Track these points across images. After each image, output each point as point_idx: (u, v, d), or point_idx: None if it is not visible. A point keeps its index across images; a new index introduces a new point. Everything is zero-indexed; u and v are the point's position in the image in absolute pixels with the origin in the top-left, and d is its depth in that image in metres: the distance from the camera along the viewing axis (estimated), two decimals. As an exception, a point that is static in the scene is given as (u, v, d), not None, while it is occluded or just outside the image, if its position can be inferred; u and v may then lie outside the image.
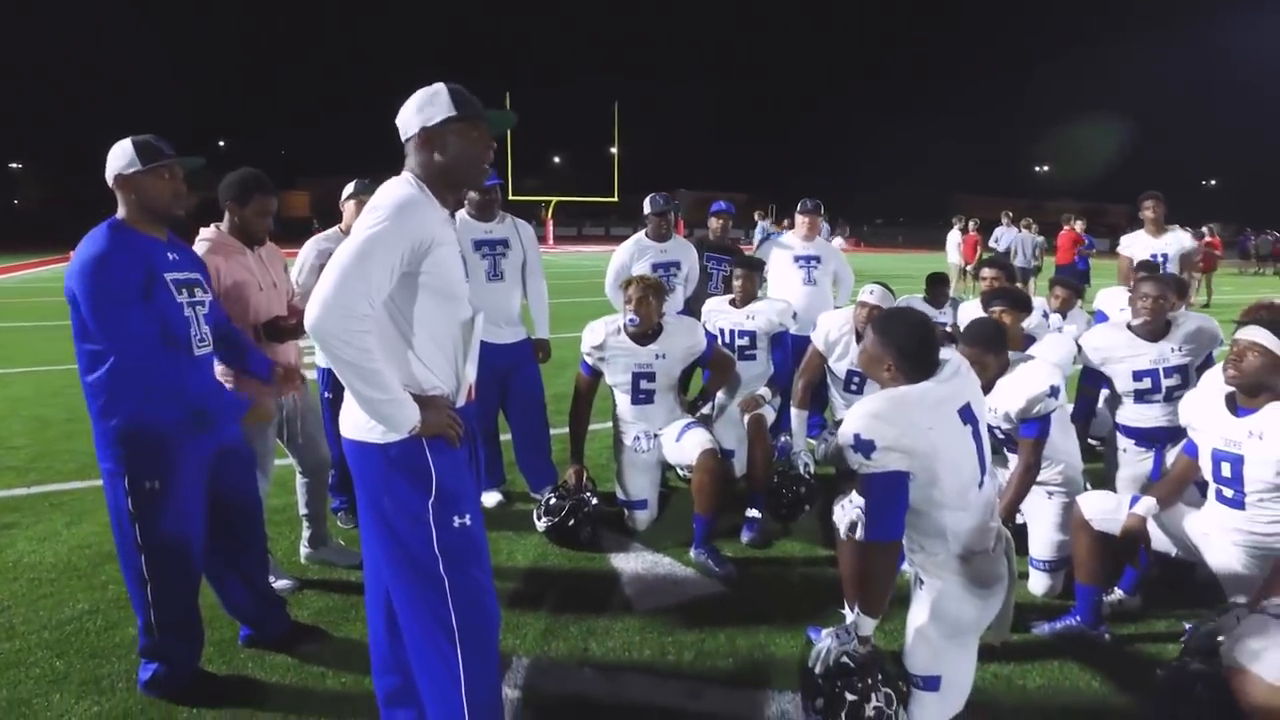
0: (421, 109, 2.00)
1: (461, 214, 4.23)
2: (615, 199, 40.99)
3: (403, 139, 2.02)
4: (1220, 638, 2.43)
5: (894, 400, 2.24)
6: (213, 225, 3.17)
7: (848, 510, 2.76)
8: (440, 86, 2.01)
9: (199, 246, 3.05)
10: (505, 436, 4.63)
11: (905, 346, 2.30)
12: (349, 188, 4.03)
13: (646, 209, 5.23)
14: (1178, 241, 6.17)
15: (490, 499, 4.46)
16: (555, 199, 41.94)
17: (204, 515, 2.62)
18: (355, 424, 1.97)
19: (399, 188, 1.94)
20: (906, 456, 2.18)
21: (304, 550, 3.76)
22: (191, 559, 2.59)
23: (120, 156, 2.45)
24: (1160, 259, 6.08)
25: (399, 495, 1.95)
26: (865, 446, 2.18)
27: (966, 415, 2.30)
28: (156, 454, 2.43)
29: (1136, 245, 6.26)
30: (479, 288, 4.15)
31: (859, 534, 2.45)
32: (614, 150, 41.13)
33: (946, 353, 2.41)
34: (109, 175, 2.47)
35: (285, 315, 3.21)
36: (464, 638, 1.98)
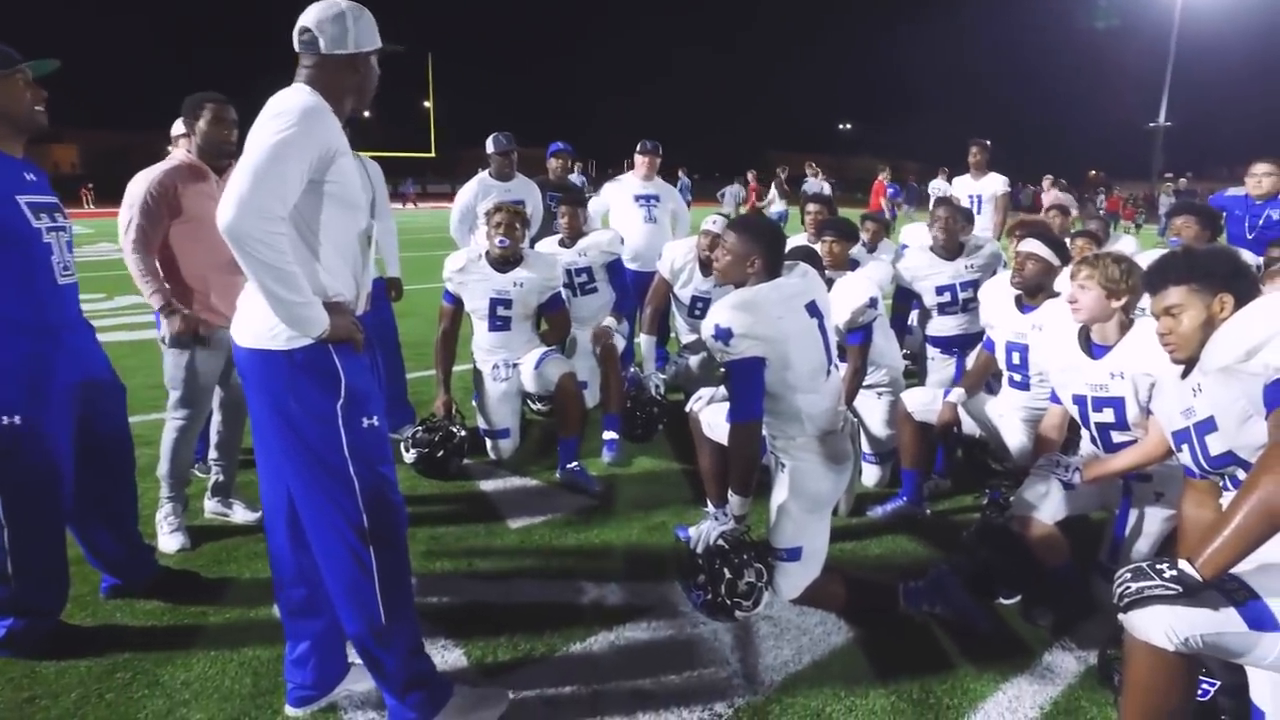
0: (358, 32, 2.00)
1: None
2: (433, 154, 39.69)
3: (323, 51, 1.98)
4: (1010, 497, 2.94)
5: (749, 295, 2.51)
6: (181, 148, 3.17)
7: (702, 398, 3.22)
8: (366, 11, 2.03)
9: (161, 166, 3.06)
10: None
11: (771, 243, 2.56)
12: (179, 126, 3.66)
13: (490, 148, 5.24)
14: (993, 185, 6.98)
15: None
16: (369, 154, 39.88)
17: (71, 452, 2.47)
18: (256, 333, 1.95)
19: (301, 96, 1.92)
20: (761, 343, 2.45)
21: (208, 503, 3.53)
22: (57, 499, 2.44)
23: None
24: (976, 199, 6.86)
25: (307, 399, 1.96)
26: (724, 334, 2.44)
27: (813, 310, 2.60)
28: (17, 387, 2.26)
29: (959, 186, 7.09)
30: None
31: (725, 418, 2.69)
32: (429, 104, 39.69)
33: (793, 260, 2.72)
34: None
35: None
36: (375, 535, 2.04)
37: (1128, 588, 1.71)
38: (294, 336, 1.92)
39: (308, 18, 2.00)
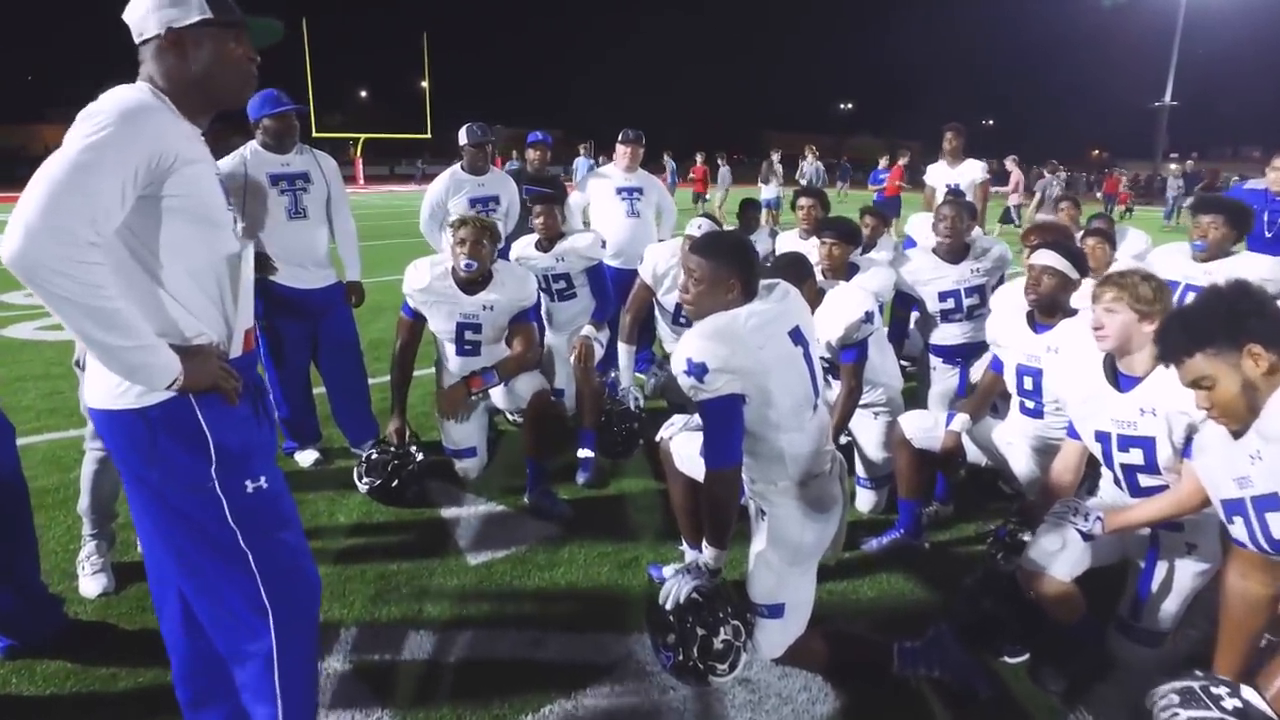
0: (163, 5, 1.63)
1: (254, 145, 3.77)
2: (429, 135, 39.09)
3: (136, 40, 1.65)
4: (1025, 537, 2.61)
5: (723, 322, 2.16)
6: None
7: (674, 424, 2.93)
8: None
9: None
10: (319, 390, 4.24)
11: (746, 260, 2.23)
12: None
13: (463, 140, 4.90)
14: (970, 172, 6.54)
15: (306, 458, 4.10)
16: (364, 136, 39.37)
17: None
18: (103, 391, 1.62)
19: (128, 93, 1.57)
20: (739, 378, 2.12)
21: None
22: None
23: None
24: (954, 188, 6.46)
25: (172, 466, 1.63)
26: (698, 370, 2.10)
27: (797, 336, 2.26)
28: None
29: (936, 175, 6.64)
30: (279, 227, 3.73)
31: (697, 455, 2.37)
32: (425, 84, 39.02)
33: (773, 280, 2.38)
34: None
35: None
36: (279, 611, 1.74)
37: (1176, 715, 1.40)
38: (146, 391, 1.59)
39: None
